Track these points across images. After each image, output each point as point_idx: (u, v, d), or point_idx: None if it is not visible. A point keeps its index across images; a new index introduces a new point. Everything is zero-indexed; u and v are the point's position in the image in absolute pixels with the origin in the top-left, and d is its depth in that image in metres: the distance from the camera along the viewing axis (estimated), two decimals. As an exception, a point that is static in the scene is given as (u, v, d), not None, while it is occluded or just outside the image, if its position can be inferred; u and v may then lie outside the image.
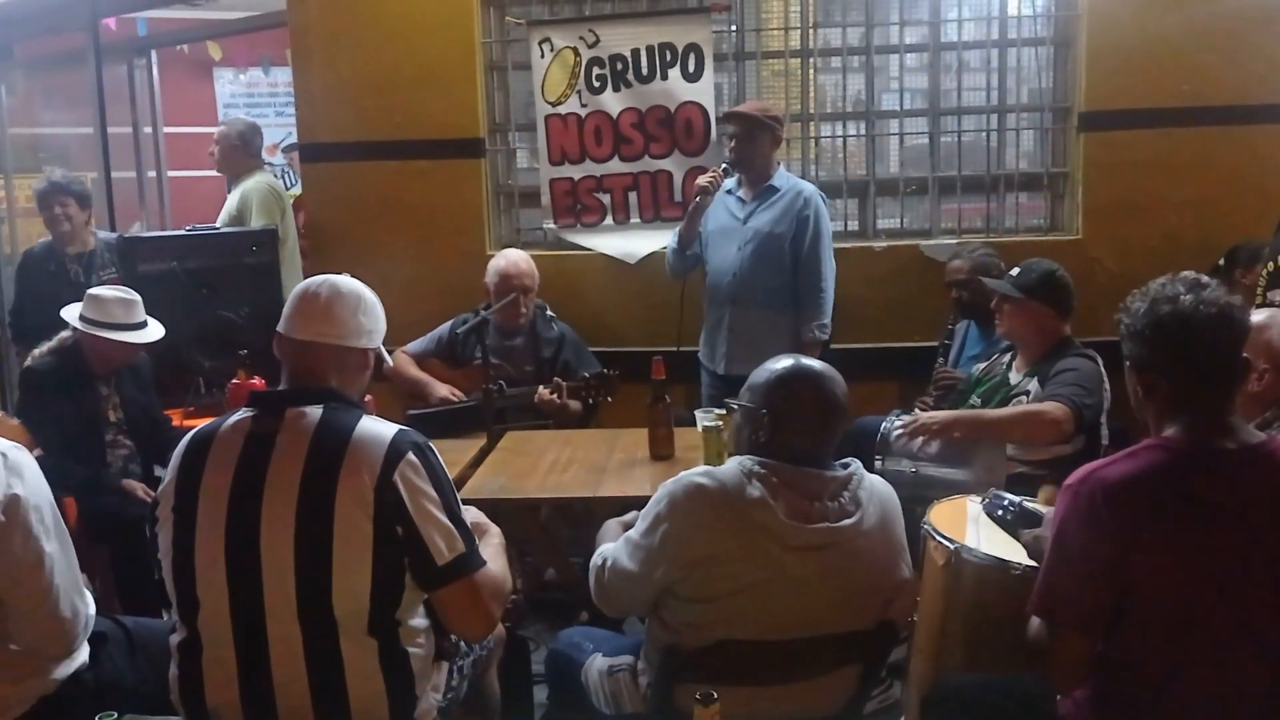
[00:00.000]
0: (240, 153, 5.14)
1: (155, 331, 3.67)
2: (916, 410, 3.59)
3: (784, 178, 4.01)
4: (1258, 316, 2.26)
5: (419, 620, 2.03)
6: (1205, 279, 1.88)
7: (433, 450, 2.01)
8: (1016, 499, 2.39)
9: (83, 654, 2.20)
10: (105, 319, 3.53)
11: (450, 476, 2.03)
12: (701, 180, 3.98)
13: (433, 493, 1.94)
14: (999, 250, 4.04)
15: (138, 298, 3.64)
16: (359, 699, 1.92)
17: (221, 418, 2.06)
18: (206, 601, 1.93)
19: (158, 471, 3.81)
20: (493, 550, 2.13)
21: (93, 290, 3.59)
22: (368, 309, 2.11)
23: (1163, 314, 1.85)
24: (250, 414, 2.02)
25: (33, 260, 4.82)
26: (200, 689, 1.96)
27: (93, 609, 2.24)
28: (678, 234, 4.08)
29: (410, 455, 1.94)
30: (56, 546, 2.08)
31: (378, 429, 1.97)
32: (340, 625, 1.90)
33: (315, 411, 1.98)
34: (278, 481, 1.91)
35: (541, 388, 3.73)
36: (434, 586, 1.96)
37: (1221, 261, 3.82)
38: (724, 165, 4.01)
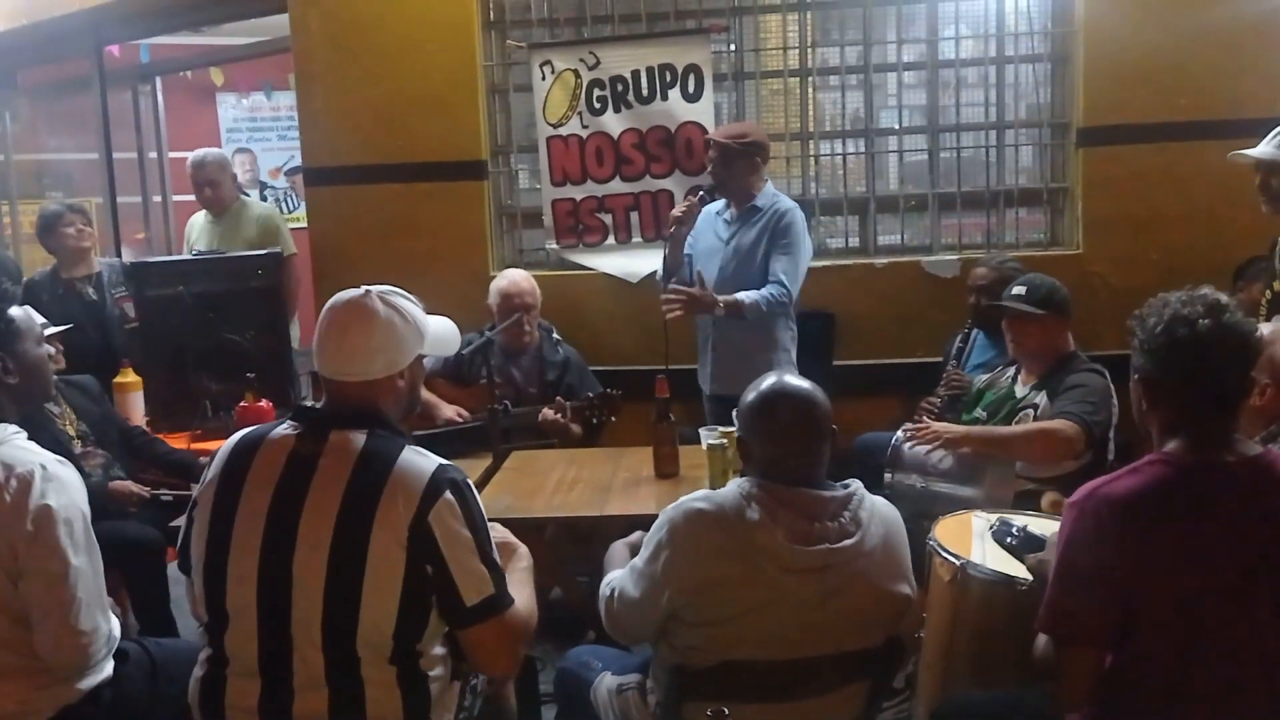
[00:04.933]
0: (233, 181, 5.18)
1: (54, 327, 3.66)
2: (923, 414, 3.59)
3: (768, 196, 3.98)
4: (1262, 331, 2.27)
5: (438, 649, 2.02)
6: (1224, 299, 1.88)
7: (470, 487, 1.99)
8: (1022, 524, 2.38)
9: (107, 668, 2.24)
10: None
11: (485, 513, 2.01)
12: (676, 211, 4.00)
13: (466, 534, 1.92)
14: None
15: (26, 309, 3.61)
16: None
17: (269, 425, 2.07)
18: (236, 618, 1.94)
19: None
20: (519, 577, 2.12)
21: None
22: (386, 340, 2.02)
23: (1179, 336, 1.84)
24: (295, 430, 2.01)
25: (37, 288, 4.76)
26: (221, 703, 1.97)
27: (117, 629, 2.27)
28: (663, 262, 4.06)
29: (448, 494, 1.92)
30: (85, 560, 2.13)
31: (419, 463, 1.95)
32: (362, 654, 1.90)
33: (359, 437, 1.96)
34: (316, 506, 1.91)
35: (546, 409, 3.74)
36: (462, 625, 1.95)
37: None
38: (701, 192, 4.03)
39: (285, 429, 2.02)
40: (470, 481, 2.00)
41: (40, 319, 3.58)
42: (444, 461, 1.98)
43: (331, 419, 2.01)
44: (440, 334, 2.19)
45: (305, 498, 1.91)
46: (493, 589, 1.94)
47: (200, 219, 5.26)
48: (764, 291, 3.77)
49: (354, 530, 1.88)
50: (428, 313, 2.17)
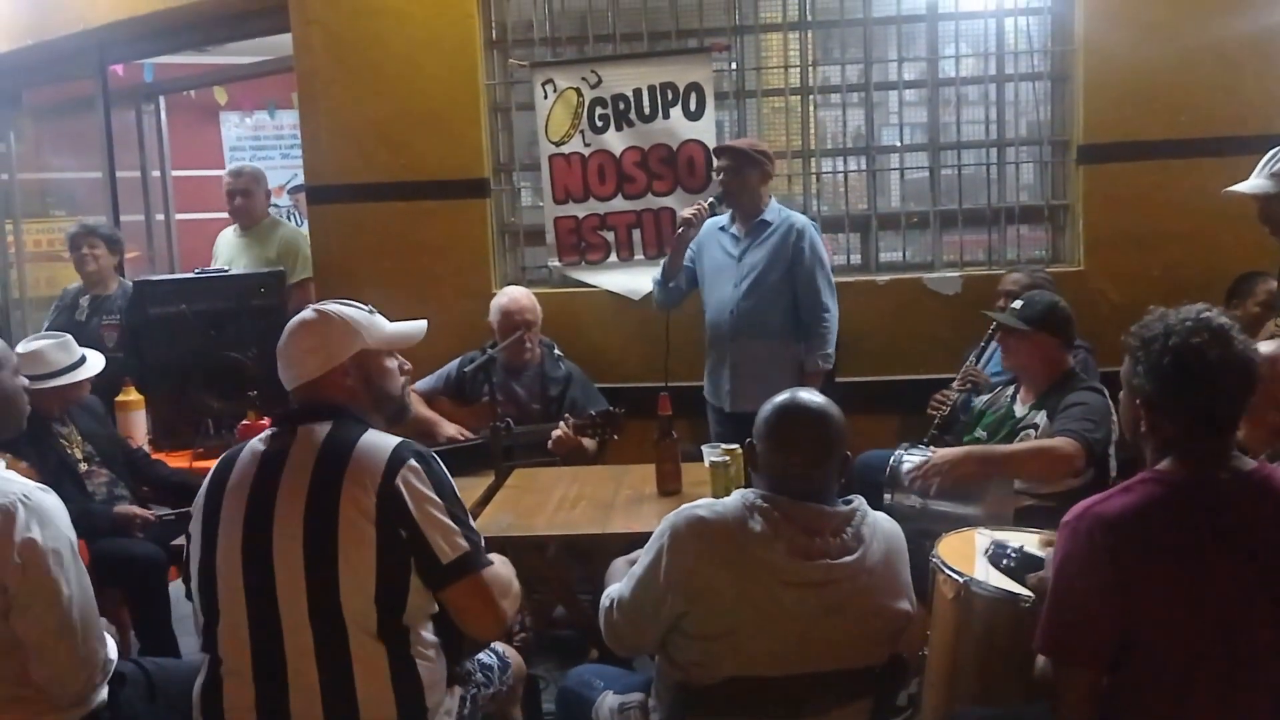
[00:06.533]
0: (266, 199, 5.21)
1: (97, 360, 3.68)
2: (936, 405, 3.63)
3: (775, 211, 4.03)
4: (1267, 347, 2.27)
5: (428, 634, 2.07)
6: (1228, 324, 1.86)
7: (435, 459, 2.08)
8: (1018, 545, 2.38)
9: (101, 693, 2.22)
10: (49, 370, 3.50)
11: (454, 484, 2.08)
12: (685, 212, 4.05)
13: (435, 496, 2.01)
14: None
15: (69, 337, 3.65)
16: (368, 705, 1.96)
17: (249, 439, 2.15)
18: (226, 614, 2.00)
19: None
20: (499, 562, 2.17)
21: (23, 348, 3.50)
22: (312, 341, 2.15)
23: (1191, 366, 1.82)
24: (270, 433, 2.13)
25: (65, 297, 4.91)
26: (220, 705, 2.00)
27: (114, 652, 2.27)
28: (662, 266, 4.13)
29: (412, 461, 2.02)
30: (76, 588, 2.12)
31: (381, 440, 2.06)
32: (349, 628, 1.95)
33: (324, 427, 2.08)
34: (287, 495, 2.00)
35: (556, 431, 3.74)
36: (441, 585, 2.01)
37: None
38: (710, 199, 4.07)
39: (263, 435, 2.14)
40: (436, 455, 2.09)
41: (80, 352, 3.62)
42: (406, 439, 2.08)
43: (298, 415, 2.13)
44: (399, 329, 2.27)
45: (278, 488, 2.01)
46: (468, 545, 2.01)
47: (229, 234, 5.30)
48: (819, 337, 3.92)
49: (324, 507, 1.97)
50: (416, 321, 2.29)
